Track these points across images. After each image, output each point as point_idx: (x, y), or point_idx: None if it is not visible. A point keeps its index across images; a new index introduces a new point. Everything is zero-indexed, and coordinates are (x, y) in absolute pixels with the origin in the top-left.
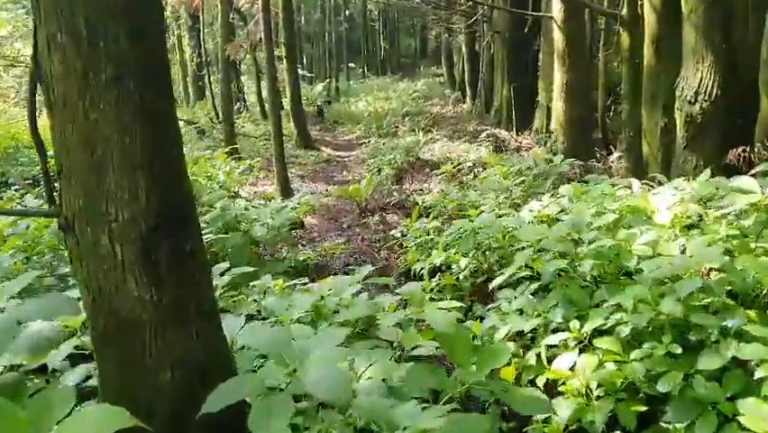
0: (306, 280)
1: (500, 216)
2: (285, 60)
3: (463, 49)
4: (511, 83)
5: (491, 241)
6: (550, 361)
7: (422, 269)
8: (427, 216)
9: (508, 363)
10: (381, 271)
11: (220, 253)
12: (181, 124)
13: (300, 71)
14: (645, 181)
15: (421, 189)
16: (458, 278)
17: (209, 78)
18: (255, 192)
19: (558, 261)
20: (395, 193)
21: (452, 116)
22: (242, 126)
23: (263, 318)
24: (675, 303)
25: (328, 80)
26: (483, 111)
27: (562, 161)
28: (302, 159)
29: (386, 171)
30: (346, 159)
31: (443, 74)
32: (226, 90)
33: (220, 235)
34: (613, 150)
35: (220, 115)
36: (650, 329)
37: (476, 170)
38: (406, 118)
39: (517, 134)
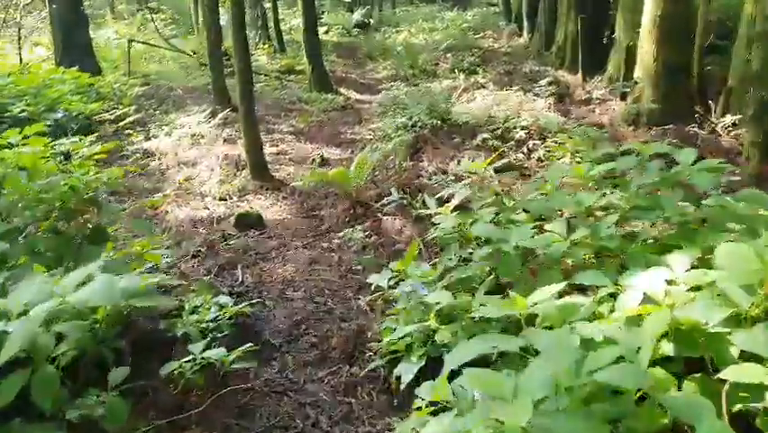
0: None
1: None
2: None
3: None
4: (579, 15)
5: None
6: None
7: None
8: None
9: None
10: (347, 349)
11: None
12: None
13: None
14: None
15: (444, 171)
16: None
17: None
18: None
19: None
20: (405, 175)
21: (506, 53)
22: (256, 60)
23: None
24: None
25: (369, 7)
26: (542, 48)
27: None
28: (310, 104)
29: (396, 140)
30: (367, 105)
31: (498, 2)
32: (212, 17)
33: None
34: (713, 108)
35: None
36: None
37: (531, 143)
38: (449, 54)
39: (584, 80)
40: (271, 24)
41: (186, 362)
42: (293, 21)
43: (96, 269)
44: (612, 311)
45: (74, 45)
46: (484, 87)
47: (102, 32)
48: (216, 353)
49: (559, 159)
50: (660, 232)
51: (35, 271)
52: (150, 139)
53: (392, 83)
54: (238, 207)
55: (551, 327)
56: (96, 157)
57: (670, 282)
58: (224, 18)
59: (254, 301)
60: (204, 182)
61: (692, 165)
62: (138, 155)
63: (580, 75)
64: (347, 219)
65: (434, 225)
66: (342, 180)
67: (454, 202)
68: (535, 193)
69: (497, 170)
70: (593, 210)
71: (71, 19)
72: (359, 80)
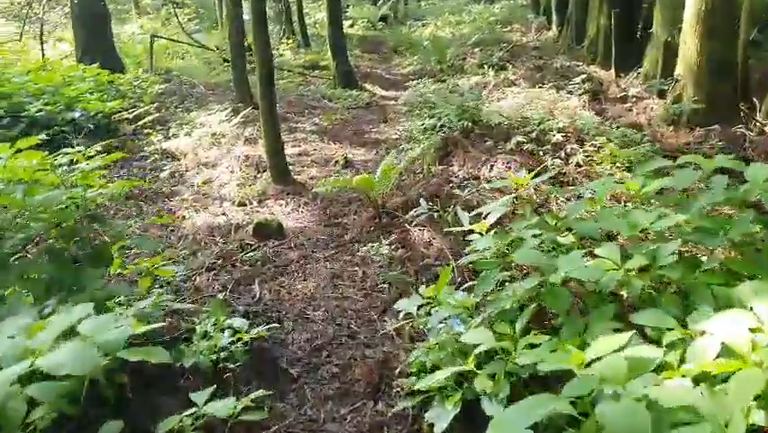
0: None
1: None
2: None
3: None
4: (612, 8)
5: None
6: None
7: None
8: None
9: None
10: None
11: None
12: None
13: None
14: None
15: (476, 177)
16: None
17: None
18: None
19: None
20: (434, 181)
21: (535, 47)
22: (280, 55)
23: None
24: None
25: (394, 0)
26: (573, 42)
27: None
28: (335, 101)
29: (424, 144)
30: (393, 102)
31: None
32: (234, 11)
33: None
34: (758, 106)
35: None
36: None
37: (569, 147)
38: (477, 48)
39: (617, 76)
40: (296, 18)
41: (187, 416)
42: (318, 15)
43: (85, 313)
44: (682, 361)
45: (95, 41)
46: (515, 84)
47: (127, 28)
48: (222, 406)
49: (598, 164)
50: (725, 257)
51: (24, 303)
52: (169, 138)
53: (418, 79)
54: (257, 212)
55: (611, 381)
56: (107, 163)
57: (754, 330)
58: (248, 12)
59: (271, 325)
60: (223, 185)
61: (766, 182)
62: (156, 156)
63: (612, 71)
64: (372, 229)
65: (467, 240)
66: (366, 187)
67: (491, 219)
68: (581, 209)
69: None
70: (648, 232)
71: (93, 14)
72: (384, 75)
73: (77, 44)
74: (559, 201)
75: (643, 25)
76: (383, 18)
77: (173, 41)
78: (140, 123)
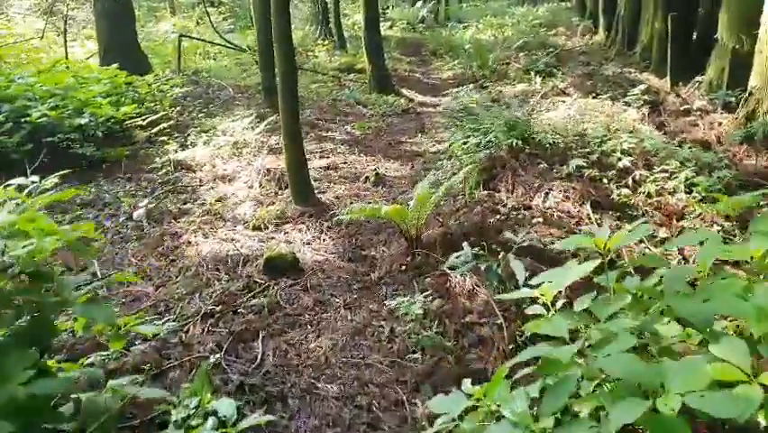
0: None
1: None
2: None
3: None
4: (668, 11)
5: None
6: None
7: None
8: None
9: None
10: None
11: None
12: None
13: None
14: None
15: (528, 207)
16: None
17: None
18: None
19: None
20: (477, 209)
21: (582, 52)
22: (315, 57)
23: None
24: None
25: (434, 1)
26: (624, 47)
27: None
28: (369, 107)
29: (467, 167)
30: (431, 109)
31: None
32: (262, 8)
33: None
34: None
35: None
36: None
37: (637, 173)
38: (521, 53)
39: (674, 85)
40: (332, 19)
41: None
42: (356, 16)
43: None
44: None
45: (118, 40)
46: (565, 93)
47: (160, 26)
48: None
49: (670, 193)
50: None
51: None
52: (186, 147)
53: (459, 85)
54: (272, 239)
55: None
56: (72, 195)
57: None
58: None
59: (270, 418)
60: (238, 203)
61: None
62: (169, 168)
63: (668, 79)
64: (403, 268)
65: (520, 303)
66: (398, 219)
67: (563, 283)
68: (680, 281)
69: (593, 205)
70: None
71: (116, 11)
72: (422, 80)
73: (100, 42)
74: (637, 252)
75: (701, 30)
76: (423, 20)
77: (201, 40)
78: (154, 130)
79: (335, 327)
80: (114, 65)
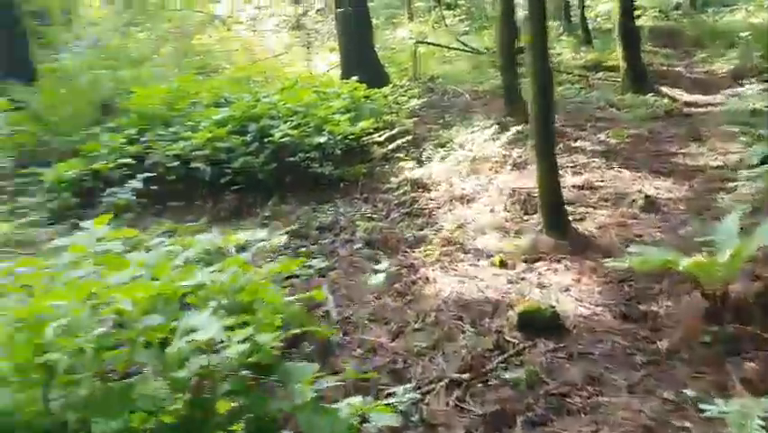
0: None
1: None
2: None
3: None
4: None
5: None
6: None
7: None
8: None
9: None
10: None
11: None
12: None
13: None
14: None
15: None
16: None
17: None
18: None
19: None
20: None
21: None
22: (558, 54)
23: None
24: None
25: None
26: None
27: None
28: (624, 110)
29: None
30: (703, 110)
31: None
32: (504, 6)
33: None
34: None
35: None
36: None
37: None
38: None
39: None
40: (575, 12)
41: None
42: (600, 7)
43: None
44: None
45: (358, 53)
46: None
47: (398, 33)
48: None
49: None
50: None
51: None
52: (422, 164)
53: (735, 81)
54: (522, 279)
55: None
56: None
57: None
58: (524, 7)
59: None
60: (479, 231)
61: None
62: (406, 188)
63: None
64: (707, 339)
65: None
66: (702, 274)
67: None
68: None
69: None
70: None
71: (355, 24)
72: (685, 75)
73: (342, 56)
74: None
75: None
76: (678, 6)
77: (436, 45)
78: (391, 146)
79: (617, 419)
80: (354, 77)
